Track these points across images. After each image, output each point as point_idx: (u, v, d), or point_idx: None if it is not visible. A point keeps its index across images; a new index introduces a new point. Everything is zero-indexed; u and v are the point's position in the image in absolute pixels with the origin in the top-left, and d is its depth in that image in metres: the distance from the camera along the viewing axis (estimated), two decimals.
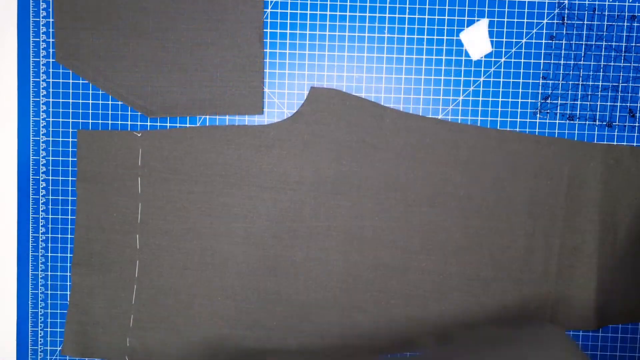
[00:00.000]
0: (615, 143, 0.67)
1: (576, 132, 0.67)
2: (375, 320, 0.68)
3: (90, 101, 0.67)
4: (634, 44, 0.66)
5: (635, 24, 0.66)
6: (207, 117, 0.67)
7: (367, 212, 0.67)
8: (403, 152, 0.66)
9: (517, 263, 0.67)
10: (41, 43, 0.67)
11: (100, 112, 0.67)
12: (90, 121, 0.67)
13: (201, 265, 0.67)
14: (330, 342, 0.68)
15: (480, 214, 0.67)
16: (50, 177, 0.68)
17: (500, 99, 0.67)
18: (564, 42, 0.66)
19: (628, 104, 0.67)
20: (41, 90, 0.67)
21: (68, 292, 0.69)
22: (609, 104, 0.67)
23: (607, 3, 0.66)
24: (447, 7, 0.66)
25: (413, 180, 0.66)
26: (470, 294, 0.67)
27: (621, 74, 0.66)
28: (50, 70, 0.67)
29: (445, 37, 0.66)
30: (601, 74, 0.66)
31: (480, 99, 0.67)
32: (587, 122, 0.67)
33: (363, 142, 0.66)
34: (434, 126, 0.66)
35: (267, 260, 0.67)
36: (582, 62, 0.66)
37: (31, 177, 0.68)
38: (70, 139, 0.68)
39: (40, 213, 0.68)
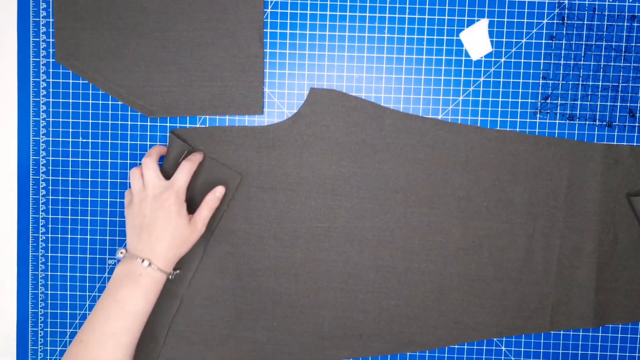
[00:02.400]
0: (615, 143, 0.67)
1: (576, 132, 0.67)
2: (375, 321, 0.68)
3: (90, 101, 0.67)
4: (634, 44, 0.66)
5: (635, 24, 0.66)
6: (207, 117, 0.67)
7: (367, 213, 0.67)
8: (403, 153, 0.66)
9: (517, 263, 0.67)
10: (41, 43, 0.67)
11: (100, 112, 0.67)
12: (90, 121, 0.67)
13: (201, 266, 0.67)
14: (330, 342, 0.68)
15: (480, 214, 0.67)
16: (50, 177, 0.68)
17: (500, 99, 0.67)
18: (564, 42, 0.66)
19: (628, 104, 0.67)
20: (41, 90, 0.67)
21: (68, 292, 0.69)
22: (609, 104, 0.67)
23: (607, 3, 0.66)
24: (447, 7, 0.66)
25: (413, 181, 0.66)
26: (470, 294, 0.67)
27: (621, 74, 0.66)
28: (50, 70, 0.67)
29: (445, 37, 0.66)
30: (601, 74, 0.66)
31: (480, 99, 0.67)
32: (587, 122, 0.67)
33: (363, 143, 0.66)
34: (434, 127, 0.66)
35: (267, 260, 0.67)
36: (582, 62, 0.66)
37: (31, 177, 0.68)
38: (70, 139, 0.68)
39: (40, 213, 0.68)
